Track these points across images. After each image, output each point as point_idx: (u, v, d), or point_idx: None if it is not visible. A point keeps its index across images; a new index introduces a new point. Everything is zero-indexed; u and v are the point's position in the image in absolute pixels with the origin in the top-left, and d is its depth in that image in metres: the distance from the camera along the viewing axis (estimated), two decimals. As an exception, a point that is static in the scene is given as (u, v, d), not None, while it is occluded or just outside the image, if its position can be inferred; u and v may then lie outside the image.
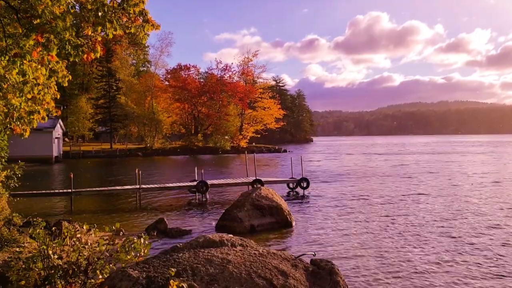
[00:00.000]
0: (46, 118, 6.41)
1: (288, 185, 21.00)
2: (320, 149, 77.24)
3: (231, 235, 6.45)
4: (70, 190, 16.42)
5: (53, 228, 5.93)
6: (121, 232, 11.03)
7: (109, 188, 18.57)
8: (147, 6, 5.06)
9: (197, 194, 18.83)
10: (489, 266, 8.69)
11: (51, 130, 43.97)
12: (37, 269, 5.01)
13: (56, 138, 46.91)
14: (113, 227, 5.54)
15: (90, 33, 5.07)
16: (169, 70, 76.62)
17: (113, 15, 4.93)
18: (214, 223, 13.11)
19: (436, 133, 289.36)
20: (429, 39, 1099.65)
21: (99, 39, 5.28)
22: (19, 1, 4.91)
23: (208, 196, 18.71)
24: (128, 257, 5.21)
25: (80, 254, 5.14)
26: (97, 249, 5.24)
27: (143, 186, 18.07)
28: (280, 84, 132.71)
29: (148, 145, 64.60)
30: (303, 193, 19.55)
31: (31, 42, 4.93)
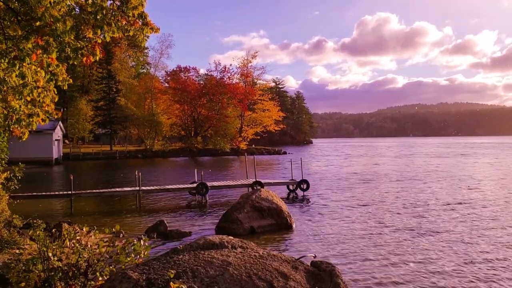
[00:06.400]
0: (47, 120, 6.42)
1: (288, 187, 20.97)
2: (319, 151, 77.20)
3: (231, 237, 6.45)
4: (70, 192, 16.41)
5: (53, 230, 5.93)
6: (121, 234, 11.07)
7: (109, 190, 18.56)
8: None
9: (197, 196, 18.84)
10: (497, 272, 8.67)
11: (51, 132, 43.91)
12: (37, 271, 5.01)
13: (56, 140, 46.87)
14: (113, 229, 5.54)
15: (91, 35, 5.08)
16: (168, 72, 76.73)
17: (112, 17, 4.95)
18: (214, 225, 13.10)
19: (435, 135, 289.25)
20: (437, 41, 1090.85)
21: (99, 41, 5.29)
22: (19, 4, 4.92)
23: (208, 198, 18.71)
24: (128, 259, 5.21)
25: (80, 256, 5.15)
26: (97, 251, 5.25)
27: (143, 188, 18.06)
28: (280, 86, 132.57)
29: (148, 147, 64.59)
30: (303, 195, 19.54)
31: (31, 45, 4.94)
